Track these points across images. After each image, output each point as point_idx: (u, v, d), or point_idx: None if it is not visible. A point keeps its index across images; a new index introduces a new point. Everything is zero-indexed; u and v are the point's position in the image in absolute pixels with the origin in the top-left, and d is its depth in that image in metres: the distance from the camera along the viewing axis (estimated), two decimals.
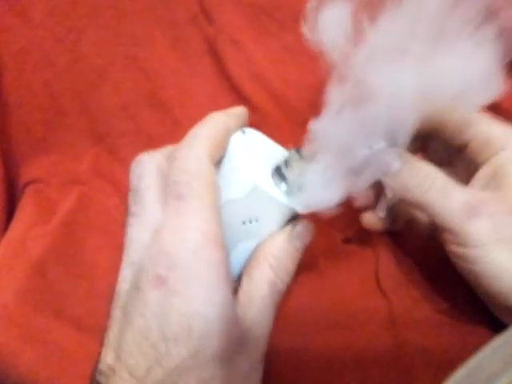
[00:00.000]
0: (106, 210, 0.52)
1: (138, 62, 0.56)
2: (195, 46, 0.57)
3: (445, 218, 0.34)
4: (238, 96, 0.57)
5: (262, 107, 0.56)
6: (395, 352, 0.37)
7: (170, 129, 0.58)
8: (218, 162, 0.34)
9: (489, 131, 0.37)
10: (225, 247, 0.30)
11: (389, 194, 0.35)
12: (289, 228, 0.33)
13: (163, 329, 0.27)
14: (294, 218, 0.35)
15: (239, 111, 0.36)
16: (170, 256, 0.28)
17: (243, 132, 0.35)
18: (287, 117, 0.55)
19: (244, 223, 0.33)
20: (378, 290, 0.43)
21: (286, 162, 0.33)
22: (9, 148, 0.55)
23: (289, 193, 0.33)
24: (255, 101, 0.56)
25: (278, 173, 0.33)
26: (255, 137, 0.36)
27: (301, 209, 0.33)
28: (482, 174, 0.36)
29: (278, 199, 0.32)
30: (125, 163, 0.58)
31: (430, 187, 0.34)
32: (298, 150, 0.33)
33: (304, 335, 0.39)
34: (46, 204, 0.51)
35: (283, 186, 0.33)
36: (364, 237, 0.46)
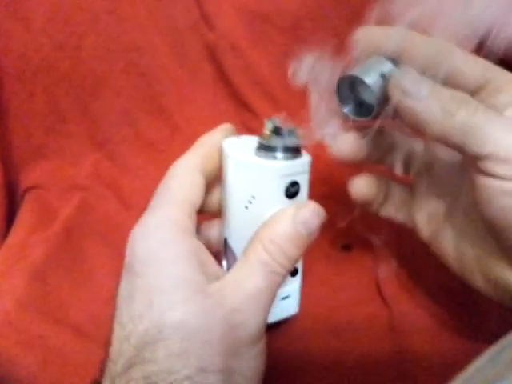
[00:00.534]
0: (106, 216, 0.52)
1: (137, 68, 0.56)
2: (195, 52, 0.57)
3: (488, 142, 0.29)
4: (238, 102, 0.57)
5: (262, 113, 0.56)
6: (395, 358, 0.38)
7: (170, 135, 0.58)
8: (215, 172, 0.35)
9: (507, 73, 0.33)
10: (187, 232, 0.31)
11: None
12: (292, 210, 0.31)
13: (130, 309, 0.28)
14: (296, 191, 0.33)
15: (225, 126, 0.38)
16: (133, 243, 0.30)
17: (238, 137, 0.37)
18: None
19: (246, 208, 0.33)
20: (378, 296, 0.43)
21: (263, 134, 0.33)
22: (9, 154, 0.55)
23: (270, 157, 0.32)
24: (255, 106, 0.56)
25: (259, 146, 0.33)
26: (248, 138, 0.36)
27: (285, 167, 0.32)
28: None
29: (255, 162, 0.32)
30: (125, 169, 0.58)
31: (477, 109, 0.30)
32: (272, 119, 0.33)
33: (304, 341, 0.39)
34: (46, 210, 0.51)
35: (265, 154, 0.32)
36: (364, 243, 0.46)
